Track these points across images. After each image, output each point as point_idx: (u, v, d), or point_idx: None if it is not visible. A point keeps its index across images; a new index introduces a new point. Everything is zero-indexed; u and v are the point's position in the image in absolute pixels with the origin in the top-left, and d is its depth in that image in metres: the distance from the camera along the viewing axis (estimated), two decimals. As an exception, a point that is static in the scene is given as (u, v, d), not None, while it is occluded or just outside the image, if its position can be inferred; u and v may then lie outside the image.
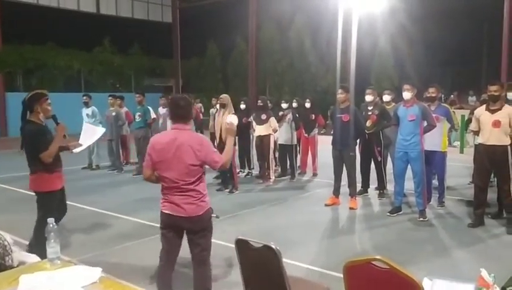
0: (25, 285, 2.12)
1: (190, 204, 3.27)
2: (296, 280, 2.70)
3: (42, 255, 3.37)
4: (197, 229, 3.35)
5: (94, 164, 10.65)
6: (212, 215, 3.49)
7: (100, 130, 5.83)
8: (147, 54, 26.63)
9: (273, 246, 2.50)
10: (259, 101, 8.95)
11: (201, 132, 8.64)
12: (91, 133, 5.52)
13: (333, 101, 20.37)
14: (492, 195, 6.17)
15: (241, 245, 2.68)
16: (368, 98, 7.37)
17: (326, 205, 6.94)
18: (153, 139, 3.44)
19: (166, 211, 3.33)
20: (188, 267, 4.52)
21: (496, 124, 5.35)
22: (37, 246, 4.01)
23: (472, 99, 19.39)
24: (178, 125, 3.32)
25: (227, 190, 7.98)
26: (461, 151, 12.62)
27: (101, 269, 2.27)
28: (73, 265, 2.42)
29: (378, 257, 2.16)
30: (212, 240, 5.32)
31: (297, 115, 9.05)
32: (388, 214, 6.39)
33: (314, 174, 9.54)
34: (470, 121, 13.63)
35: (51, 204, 4.32)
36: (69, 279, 2.16)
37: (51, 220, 2.38)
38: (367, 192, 7.75)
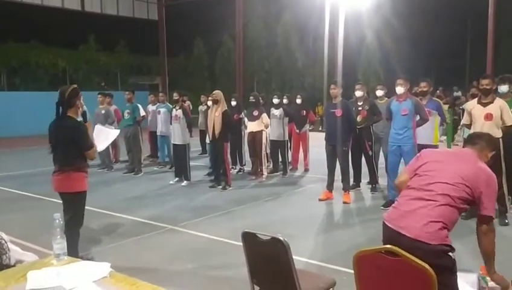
0: (34, 281, 2.09)
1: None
2: (302, 273, 2.71)
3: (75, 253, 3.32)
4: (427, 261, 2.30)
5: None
6: None
7: (114, 133, 5.59)
8: (133, 51, 26.41)
9: (282, 239, 2.51)
10: (251, 98, 8.92)
11: (190, 131, 8.58)
12: (104, 137, 5.24)
13: (321, 97, 20.60)
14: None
15: (248, 238, 2.68)
16: (358, 93, 7.43)
17: (320, 200, 6.97)
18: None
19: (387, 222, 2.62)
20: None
21: (488, 117, 5.42)
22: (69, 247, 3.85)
23: (458, 94, 19.66)
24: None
25: (220, 187, 7.96)
26: (448, 146, 12.81)
27: (109, 264, 2.25)
28: (80, 261, 2.39)
29: (388, 246, 2.18)
30: (208, 236, 5.38)
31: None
32: (382, 207, 6.43)
33: (306, 170, 9.58)
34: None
35: (82, 205, 4.23)
36: (79, 274, 2.13)
37: (56, 216, 2.35)
38: (359, 186, 7.80)
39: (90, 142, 4.10)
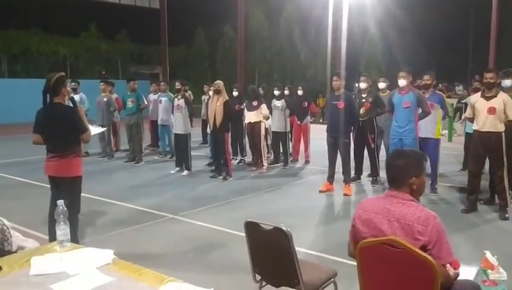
0: (37, 267, 2.09)
1: None
2: (304, 263, 2.72)
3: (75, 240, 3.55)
4: None
5: (84, 151, 10.50)
6: None
7: (99, 130, 5.96)
8: (134, 40, 26.28)
9: (284, 228, 2.51)
10: (249, 91, 8.97)
11: (191, 120, 8.56)
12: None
13: (322, 89, 20.54)
14: (483, 182, 6.26)
15: (251, 227, 2.69)
16: (362, 85, 7.41)
17: (320, 192, 6.97)
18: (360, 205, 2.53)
19: None
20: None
21: (491, 110, 5.41)
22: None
23: (459, 88, 19.63)
24: (392, 191, 2.39)
25: (221, 177, 7.95)
26: (449, 140, 12.81)
27: (113, 250, 2.25)
28: (83, 247, 2.39)
29: (391, 237, 2.18)
30: (208, 225, 5.39)
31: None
32: (382, 200, 6.43)
33: (307, 162, 9.58)
34: (458, 110, 13.81)
35: (79, 190, 4.28)
36: (82, 261, 2.14)
37: (60, 202, 2.35)
38: (360, 179, 7.81)
39: (84, 125, 4.15)
